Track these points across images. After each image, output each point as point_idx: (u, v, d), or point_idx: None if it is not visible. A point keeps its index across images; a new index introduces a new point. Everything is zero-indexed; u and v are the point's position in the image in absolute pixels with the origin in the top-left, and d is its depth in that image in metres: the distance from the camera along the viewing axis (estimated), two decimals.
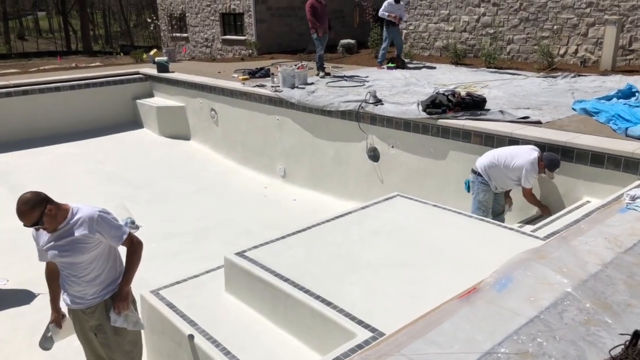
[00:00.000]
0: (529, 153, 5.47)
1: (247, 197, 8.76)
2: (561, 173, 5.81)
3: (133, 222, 7.59)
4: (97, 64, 17.86)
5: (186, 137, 11.42)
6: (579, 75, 9.71)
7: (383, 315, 3.14)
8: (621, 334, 2.29)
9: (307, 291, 3.44)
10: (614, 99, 7.38)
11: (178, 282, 4.28)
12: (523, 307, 2.66)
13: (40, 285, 5.67)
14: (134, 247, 3.59)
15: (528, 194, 5.62)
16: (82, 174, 9.60)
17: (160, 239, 7.25)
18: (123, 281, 3.59)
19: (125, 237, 3.48)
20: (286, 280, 3.59)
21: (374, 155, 7.74)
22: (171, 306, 3.92)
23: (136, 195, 8.75)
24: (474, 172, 5.71)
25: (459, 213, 4.65)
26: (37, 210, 3.15)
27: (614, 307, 2.65)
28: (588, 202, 5.55)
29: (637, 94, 7.61)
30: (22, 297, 5.89)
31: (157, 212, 8.12)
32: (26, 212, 3.16)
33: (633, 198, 3.92)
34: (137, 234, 7.49)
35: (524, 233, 4.20)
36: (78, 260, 3.33)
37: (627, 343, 2.07)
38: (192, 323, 3.70)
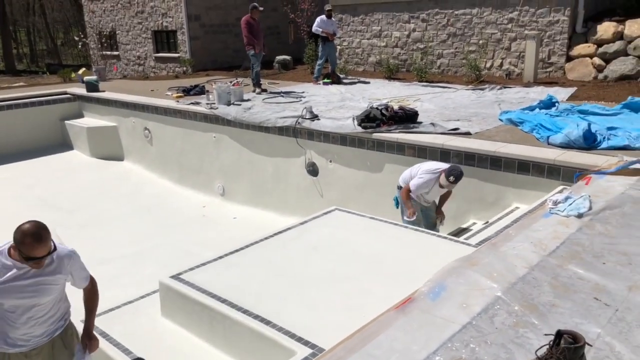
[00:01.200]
0: (435, 167, 5.54)
1: (185, 218, 8.57)
2: (491, 181, 6.06)
3: None
4: (21, 84, 17.06)
5: (119, 158, 11.07)
6: (505, 87, 10.19)
7: (323, 331, 3.14)
8: (546, 334, 2.40)
9: (245, 311, 3.39)
10: (537, 109, 7.80)
11: (112, 309, 4.12)
12: (456, 315, 2.74)
13: None
14: (93, 284, 3.30)
15: (403, 191, 5.65)
16: (9, 199, 9.10)
17: (95, 265, 6.79)
18: (90, 320, 3.28)
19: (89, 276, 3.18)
20: (224, 301, 3.52)
21: (313, 170, 7.78)
22: (104, 335, 3.76)
23: (68, 219, 8.38)
24: (398, 187, 5.83)
25: (395, 224, 4.75)
26: (50, 238, 2.75)
27: (540, 307, 2.77)
28: (517, 208, 5.80)
29: (556, 104, 8.09)
30: None
31: (90, 237, 7.79)
32: (47, 237, 2.71)
33: (555, 203, 4.13)
34: None
35: (456, 241, 4.33)
36: (41, 301, 2.90)
37: (551, 343, 2.17)
38: (126, 352, 3.56)
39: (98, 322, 3.93)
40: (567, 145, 5.83)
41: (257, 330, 3.22)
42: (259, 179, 8.48)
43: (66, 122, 11.59)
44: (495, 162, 5.96)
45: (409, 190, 5.56)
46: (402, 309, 2.80)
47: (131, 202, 9.19)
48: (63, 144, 11.63)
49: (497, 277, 3.01)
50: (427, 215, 5.91)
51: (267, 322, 3.26)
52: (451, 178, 5.28)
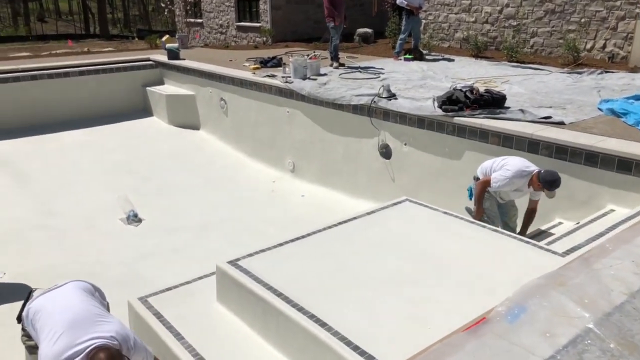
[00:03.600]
0: (526, 165, 4.95)
1: (254, 192, 8.50)
2: (583, 178, 5.44)
3: (136, 216, 7.40)
4: (109, 49, 17.69)
5: (195, 127, 11.18)
6: (606, 72, 9.22)
7: (381, 342, 2.84)
8: None
9: (300, 309, 3.16)
10: None
11: (168, 289, 4.03)
12: (537, 345, 2.35)
13: (35, 281, 5.52)
14: None
15: (480, 183, 5.13)
16: (87, 162, 9.43)
17: (162, 234, 7.05)
18: None
19: None
20: (279, 295, 3.31)
21: (385, 152, 7.40)
22: (158, 316, 3.68)
23: (141, 186, 8.56)
24: (475, 178, 5.34)
25: (472, 222, 4.33)
26: None
27: None
28: (612, 210, 5.18)
29: None
30: (18, 292, 5.72)
31: (161, 206, 7.91)
32: None
33: None
34: (140, 227, 7.34)
35: (540, 247, 3.86)
36: None
37: None
38: (178, 336, 3.45)
39: (154, 301, 3.88)
40: None
41: (312, 331, 2.98)
42: (329, 157, 8.22)
43: (147, 88, 11.83)
44: (591, 158, 5.33)
45: (487, 184, 5.07)
46: (474, 331, 2.45)
47: (204, 173, 9.25)
48: (144, 110, 11.90)
49: (588, 304, 2.58)
50: (503, 212, 5.40)
51: (323, 324, 3.01)
52: (546, 186, 4.74)
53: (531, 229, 5.44)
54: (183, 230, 7.11)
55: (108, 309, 3.33)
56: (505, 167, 5.03)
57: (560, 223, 5.60)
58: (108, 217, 7.41)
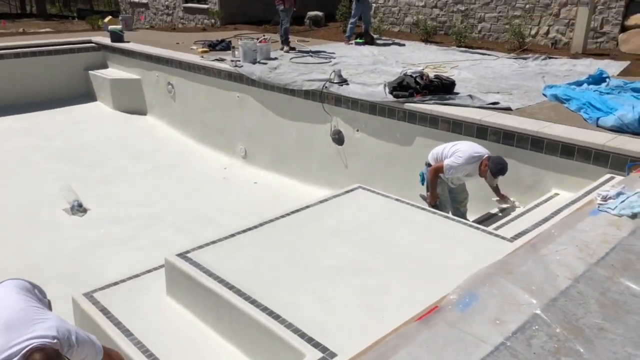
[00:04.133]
0: (476, 151, 5.05)
1: (205, 179, 8.33)
2: (529, 163, 5.60)
3: (80, 205, 7.11)
4: (48, 29, 16.82)
5: (142, 112, 10.82)
6: (550, 58, 9.49)
7: (337, 333, 2.83)
8: None
9: (253, 302, 3.11)
10: (585, 85, 7.19)
11: (115, 283, 3.88)
12: (488, 332, 2.40)
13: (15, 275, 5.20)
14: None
15: (432, 169, 5.23)
16: (28, 150, 8.99)
17: (110, 224, 6.81)
18: None
19: None
20: (231, 287, 3.24)
21: (338, 138, 7.39)
22: (105, 312, 3.54)
23: (86, 174, 8.24)
24: (427, 164, 5.41)
25: (423, 209, 4.37)
26: None
27: (585, 331, 2.41)
28: (557, 194, 5.36)
29: (607, 79, 7.44)
30: None
31: (107, 194, 7.65)
32: None
33: (605, 198, 3.70)
34: (85, 217, 7.06)
35: (490, 233, 3.94)
36: None
37: None
38: (127, 333, 3.33)
39: (100, 296, 3.73)
40: (619, 129, 5.29)
41: (265, 325, 2.94)
42: (282, 143, 8.14)
43: (90, 72, 11.34)
44: (537, 143, 5.48)
45: (439, 170, 5.14)
46: (427, 321, 2.47)
47: (152, 159, 8.98)
48: (87, 95, 11.41)
49: (536, 291, 2.64)
50: (454, 197, 5.50)
51: (277, 317, 2.97)
52: (493, 172, 4.93)
53: (481, 212, 5.58)
54: (131, 220, 6.90)
55: (50, 307, 3.18)
56: (456, 153, 5.11)
57: (507, 207, 5.74)
58: (51, 208, 7.09)
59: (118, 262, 5.87)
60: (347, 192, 4.63)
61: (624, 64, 8.97)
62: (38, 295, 3.03)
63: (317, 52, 9.96)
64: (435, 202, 5.27)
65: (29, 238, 6.40)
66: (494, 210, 5.64)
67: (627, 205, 3.56)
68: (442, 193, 5.38)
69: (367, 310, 3.02)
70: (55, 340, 2.50)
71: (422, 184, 5.51)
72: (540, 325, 2.42)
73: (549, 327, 2.41)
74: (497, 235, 3.89)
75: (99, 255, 6.11)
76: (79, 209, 7.08)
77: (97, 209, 7.15)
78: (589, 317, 2.50)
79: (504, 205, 5.45)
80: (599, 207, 3.65)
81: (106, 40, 11.43)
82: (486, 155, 5.02)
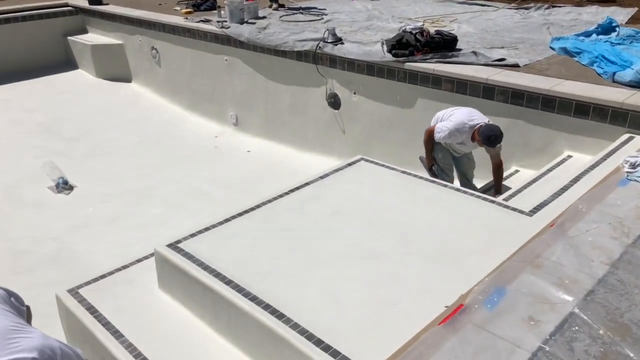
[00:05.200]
0: (470, 119, 4.67)
1: (195, 149, 7.94)
2: (540, 124, 5.26)
3: (66, 183, 6.74)
4: None
5: (127, 79, 10.28)
6: (553, 6, 9.01)
7: (348, 333, 2.55)
8: None
9: (254, 298, 2.81)
10: (594, 35, 6.77)
11: (103, 276, 3.56)
12: (522, 335, 2.11)
13: None
14: None
15: (426, 131, 4.93)
16: (5, 124, 8.52)
17: (97, 202, 6.47)
18: None
19: None
20: (229, 282, 2.94)
21: (334, 102, 6.98)
22: (93, 310, 3.24)
23: (70, 149, 7.83)
24: None
25: (432, 182, 4.04)
26: None
27: (633, 329, 2.13)
28: (570, 157, 5.05)
29: (617, 28, 7.01)
30: None
31: (93, 169, 7.27)
32: None
33: (633, 166, 3.38)
34: (71, 195, 6.71)
35: (506, 207, 3.62)
36: None
37: None
38: (117, 334, 3.05)
39: (86, 292, 3.43)
40: (639, 84, 4.93)
41: (268, 325, 2.65)
42: (274, 109, 7.72)
43: (69, 38, 10.71)
44: (548, 103, 5.13)
45: (431, 133, 4.81)
46: (452, 323, 2.18)
47: (139, 130, 8.55)
48: (67, 63, 10.81)
49: (569, 285, 2.35)
50: (459, 164, 5.18)
51: (280, 316, 2.68)
52: (484, 141, 4.56)
53: (491, 177, 5.27)
54: (120, 197, 6.55)
55: (29, 315, 2.88)
56: (450, 118, 4.80)
57: (517, 171, 5.45)
58: (34, 186, 6.72)
59: (108, 243, 5.56)
60: (349, 164, 4.28)
61: (631, 11, 8.52)
62: (15, 304, 2.71)
63: (307, 9, 9.39)
64: (431, 166, 5.04)
65: (12, 220, 6.05)
66: (506, 174, 5.35)
67: None
68: (444, 160, 5.07)
69: (379, 304, 2.72)
70: None
71: None
72: (581, 326, 2.14)
73: (591, 327, 2.13)
74: (514, 209, 3.57)
75: (88, 236, 5.80)
76: (64, 186, 6.72)
77: (83, 186, 6.79)
78: (634, 311, 2.22)
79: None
80: (627, 175, 3.33)
81: (84, 2, 10.75)
82: (479, 124, 4.65)
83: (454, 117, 4.74)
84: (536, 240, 2.71)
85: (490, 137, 4.54)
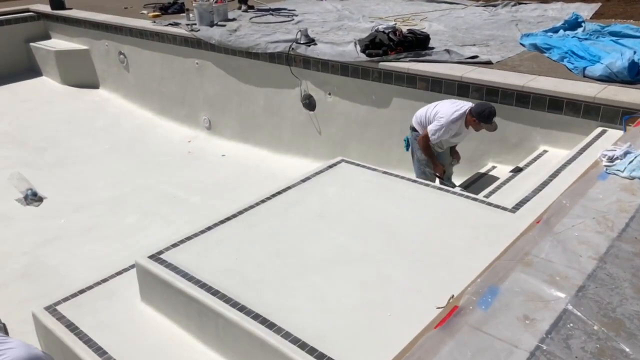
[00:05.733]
0: (456, 108, 4.66)
1: (168, 155, 7.79)
2: (515, 120, 5.32)
3: (35, 194, 6.53)
4: None
5: (94, 85, 10.03)
6: (520, 3, 9.16)
7: (341, 339, 2.51)
8: None
9: (242, 308, 2.74)
10: (561, 31, 6.90)
11: (82, 291, 3.44)
12: (519, 335, 2.10)
13: None
14: None
15: (421, 139, 4.85)
16: None
17: (69, 213, 6.28)
18: None
19: None
20: (215, 293, 2.86)
21: (309, 103, 6.93)
22: (73, 328, 3.12)
23: (37, 159, 7.60)
24: (411, 128, 5.05)
25: (413, 181, 4.04)
26: None
27: (626, 324, 2.14)
28: (545, 151, 5.12)
29: (583, 24, 7.17)
30: None
31: (63, 179, 7.06)
32: None
33: (611, 159, 3.43)
34: (42, 207, 6.49)
35: (489, 204, 3.64)
36: None
37: None
38: (100, 352, 2.94)
39: (64, 309, 3.30)
40: (608, 79, 5.03)
41: (259, 335, 2.59)
42: (248, 112, 7.63)
43: (32, 44, 10.40)
44: (522, 99, 5.19)
45: (427, 138, 4.77)
46: (448, 326, 2.16)
47: (109, 137, 8.36)
48: (30, 70, 10.51)
49: (560, 282, 2.36)
50: (441, 160, 5.18)
51: (271, 325, 2.62)
52: (482, 119, 4.50)
53: (468, 174, 5.30)
54: (92, 206, 6.38)
55: (6, 332, 2.75)
56: (437, 115, 4.76)
57: (494, 167, 5.50)
58: (1, 199, 6.49)
59: (82, 255, 5.41)
60: (330, 167, 4.24)
61: (595, 7, 8.71)
62: None
63: (277, 10, 9.32)
64: (442, 171, 4.94)
65: None
66: (483, 170, 5.40)
67: (636, 165, 3.30)
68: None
69: (371, 308, 2.69)
70: None
71: (407, 150, 5.16)
72: (575, 322, 2.14)
73: (585, 323, 2.13)
74: (497, 206, 3.59)
75: (61, 248, 5.62)
76: (33, 198, 6.50)
77: (53, 197, 6.58)
78: (625, 305, 2.24)
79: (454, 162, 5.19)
80: (606, 169, 3.38)
81: (46, 7, 10.44)
82: (468, 108, 4.66)
83: (441, 113, 4.70)
84: (524, 237, 2.71)
85: (484, 113, 4.49)
